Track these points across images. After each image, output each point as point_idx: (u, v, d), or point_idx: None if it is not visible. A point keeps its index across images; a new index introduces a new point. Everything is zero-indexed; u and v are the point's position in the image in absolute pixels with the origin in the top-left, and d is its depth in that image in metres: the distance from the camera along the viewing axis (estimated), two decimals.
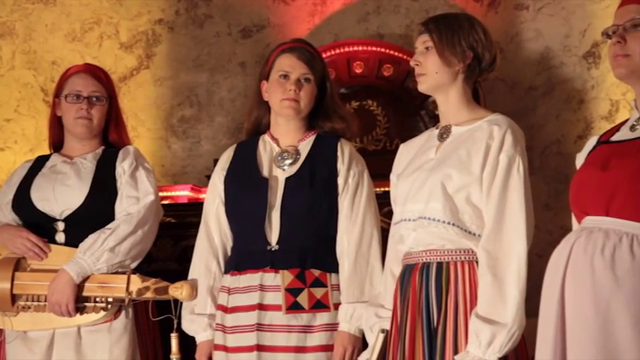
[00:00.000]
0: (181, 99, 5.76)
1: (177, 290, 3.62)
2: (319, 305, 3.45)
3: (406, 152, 3.34)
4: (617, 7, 2.82)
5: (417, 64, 3.22)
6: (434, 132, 3.29)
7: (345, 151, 3.56)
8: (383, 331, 3.23)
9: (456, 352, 3.02)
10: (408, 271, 3.17)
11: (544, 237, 4.82)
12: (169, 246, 4.72)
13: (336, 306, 3.46)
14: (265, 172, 3.56)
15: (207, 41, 5.75)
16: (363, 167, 3.58)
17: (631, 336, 2.56)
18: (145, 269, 3.86)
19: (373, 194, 3.58)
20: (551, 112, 5.43)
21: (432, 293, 3.09)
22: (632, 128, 2.75)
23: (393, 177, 3.35)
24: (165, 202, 5.00)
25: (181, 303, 3.65)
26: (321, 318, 3.46)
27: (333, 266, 3.49)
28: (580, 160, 2.88)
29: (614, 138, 2.78)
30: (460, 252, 3.10)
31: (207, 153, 5.61)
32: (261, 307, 3.44)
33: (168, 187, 5.24)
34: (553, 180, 5.27)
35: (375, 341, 3.24)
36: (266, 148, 3.62)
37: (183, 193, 5.19)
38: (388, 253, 3.32)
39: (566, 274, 2.67)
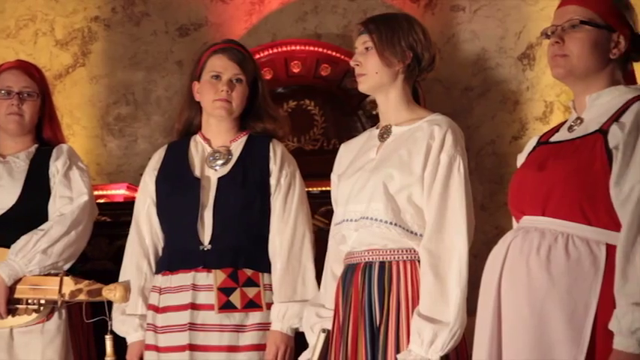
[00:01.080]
0: (117, 97, 5.72)
1: (111, 292, 3.59)
2: (252, 305, 3.45)
3: (347, 152, 3.34)
4: (556, 7, 2.83)
5: (357, 65, 3.22)
6: (374, 132, 3.29)
7: (277, 152, 3.56)
8: (324, 330, 3.22)
9: (398, 351, 3.02)
10: (350, 270, 3.17)
11: (479, 237, 4.84)
12: (104, 245, 4.68)
13: (269, 305, 3.46)
14: (197, 173, 3.55)
15: (144, 39, 5.71)
16: (295, 168, 3.59)
17: (565, 335, 2.56)
18: (79, 269, 3.83)
19: (305, 194, 3.58)
20: (486, 113, 5.47)
21: (374, 292, 3.09)
22: (570, 129, 2.76)
23: (334, 177, 3.34)
24: (101, 200, 4.96)
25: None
26: (254, 317, 3.45)
27: (265, 266, 3.49)
28: (520, 160, 2.89)
29: (553, 139, 2.79)
30: (402, 251, 3.11)
31: (144, 152, 5.58)
32: (193, 306, 3.43)
33: (104, 186, 5.20)
34: (488, 180, 5.31)
35: (316, 341, 3.23)
36: (198, 148, 3.61)
37: (119, 192, 5.15)
38: (329, 253, 3.31)
39: (503, 274, 2.67)
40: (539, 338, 2.59)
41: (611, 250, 2.56)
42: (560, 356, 2.56)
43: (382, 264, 3.11)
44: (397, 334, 3.04)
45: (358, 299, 3.11)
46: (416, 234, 3.10)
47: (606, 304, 2.53)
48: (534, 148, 2.83)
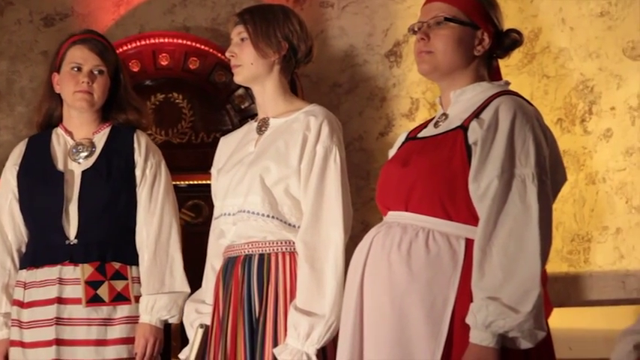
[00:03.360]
0: None
1: None
2: (120, 298, 3.42)
3: (226, 146, 3.32)
4: (422, 4, 2.86)
5: (233, 56, 3.19)
6: (253, 125, 3.27)
7: (141, 143, 3.53)
8: (202, 326, 3.20)
9: (275, 344, 3.02)
10: (230, 263, 3.15)
11: None
12: None
13: (137, 298, 3.43)
14: (60, 166, 3.50)
15: (8, 29, 5.59)
16: (160, 158, 3.55)
17: (424, 330, 2.58)
18: None
19: (171, 185, 3.56)
20: (354, 109, 5.51)
21: (253, 285, 3.08)
22: (436, 125, 2.78)
23: (213, 171, 3.32)
24: None
25: None
26: (122, 311, 3.42)
27: (133, 258, 3.46)
28: (390, 155, 2.92)
29: (421, 134, 2.82)
30: (281, 243, 3.11)
31: (7, 143, 5.45)
32: (59, 300, 3.38)
33: None
34: (355, 176, 5.35)
35: (194, 337, 3.22)
36: (60, 141, 3.55)
37: None
38: (209, 248, 3.29)
39: (365, 269, 2.68)
40: (399, 333, 2.61)
41: (470, 244, 2.59)
42: (419, 350, 2.58)
43: (262, 256, 3.10)
44: (275, 327, 3.04)
45: (238, 292, 3.10)
46: (294, 226, 3.10)
47: (464, 299, 2.56)
48: (403, 143, 2.86)
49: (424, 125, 2.87)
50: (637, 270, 5.11)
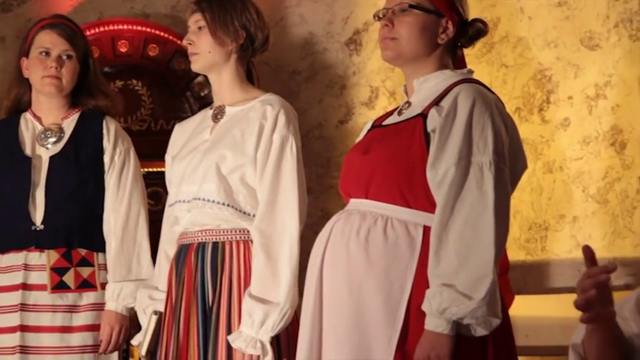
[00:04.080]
0: None
1: None
2: (86, 285, 3.41)
3: (181, 133, 3.32)
4: None
5: (190, 44, 3.20)
6: (208, 112, 3.28)
7: (110, 129, 3.52)
8: (155, 312, 3.21)
9: (229, 331, 3.04)
10: (183, 251, 3.15)
11: (305, 220, 4.90)
12: None
13: (103, 285, 3.43)
14: (28, 151, 3.48)
15: None
16: (129, 145, 3.55)
17: (381, 317, 2.60)
18: None
19: (140, 172, 3.55)
20: (314, 96, 5.51)
21: (207, 273, 3.09)
22: (400, 112, 2.80)
23: (168, 158, 3.32)
24: None
25: None
26: (88, 297, 3.42)
27: (100, 245, 3.46)
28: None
29: (385, 122, 2.84)
30: (235, 232, 3.11)
31: None
32: (25, 286, 3.37)
33: None
34: (314, 164, 5.35)
35: (147, 324, 3.22)
36: (28, 126, 3.54)
37: None
38: (163, 234, 3.29)
39: (325, 256, 2.70)
40: (356, 320, 2.62)
41: (428, 232, 2.60)
42: (376, 337, 2.60)
43: (215, 244, 3.11)
44: (229, 315, 3.06)
45: (191, 279, 3.11)
46: (249, 214, 3.11)
47: (421, 286, 2.58)
48: (369, 131, 2.87)
49: (390, 113, 2.89)
50: None
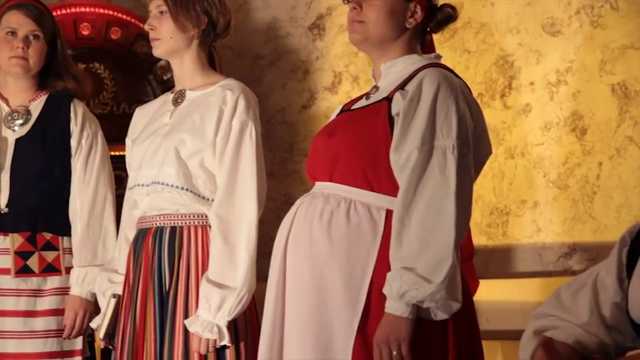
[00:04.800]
0: None
1: None
2: (50, 269, 3.40)
3: (141, 117, 3.32)
4: None
5: (152, 29, 3.19)
6: (169, 97, 3.28)
7: (78, 112, 3.50)
8: (114, 296, 3.21)
9: (186, 316, 3.05)
10: (141, 235, 3.16)
11: (268, 204, 4.86)
12: None
13: (68, 270, 3.42)
14: None
15: None
16: (97, 128, 3.53)
17: (342, 300, 2.61)
18: None
19: (108, 156, 3.54)
20: (277, 81, 5.50)
21: (164, 257, 3.10)
22: (367, 97, 2.81)
23: (128, 141, 3.32)
24: None
25: None
26: (52, 282, 3.41)
27: (65, 229, 3.44)
28: None
29: (354, 107, 2.84)
30: (194, 216, 3.12)
31: None
32: None
33: None
34: (278, 148, 5.35)
35: (106, 306, 3.22)
36: None
37: None
38: (123, 218, 3.29)
39: (289, 239, 2.72)
40: (318, 302, 2.64)
41: (390, 215, 2.62)
42: (337, 319, 2.62)
43: (173, 229, 3.12)
44: (186, 300, 3.07)
45: (148, 264, 3.11)
46: (207, 199, 3.12)
47: (382, 269, 2.59)
48: (338, 115, 2.87)
49: (359, 98, 2.89)
50: (553, 243, 5.18)
